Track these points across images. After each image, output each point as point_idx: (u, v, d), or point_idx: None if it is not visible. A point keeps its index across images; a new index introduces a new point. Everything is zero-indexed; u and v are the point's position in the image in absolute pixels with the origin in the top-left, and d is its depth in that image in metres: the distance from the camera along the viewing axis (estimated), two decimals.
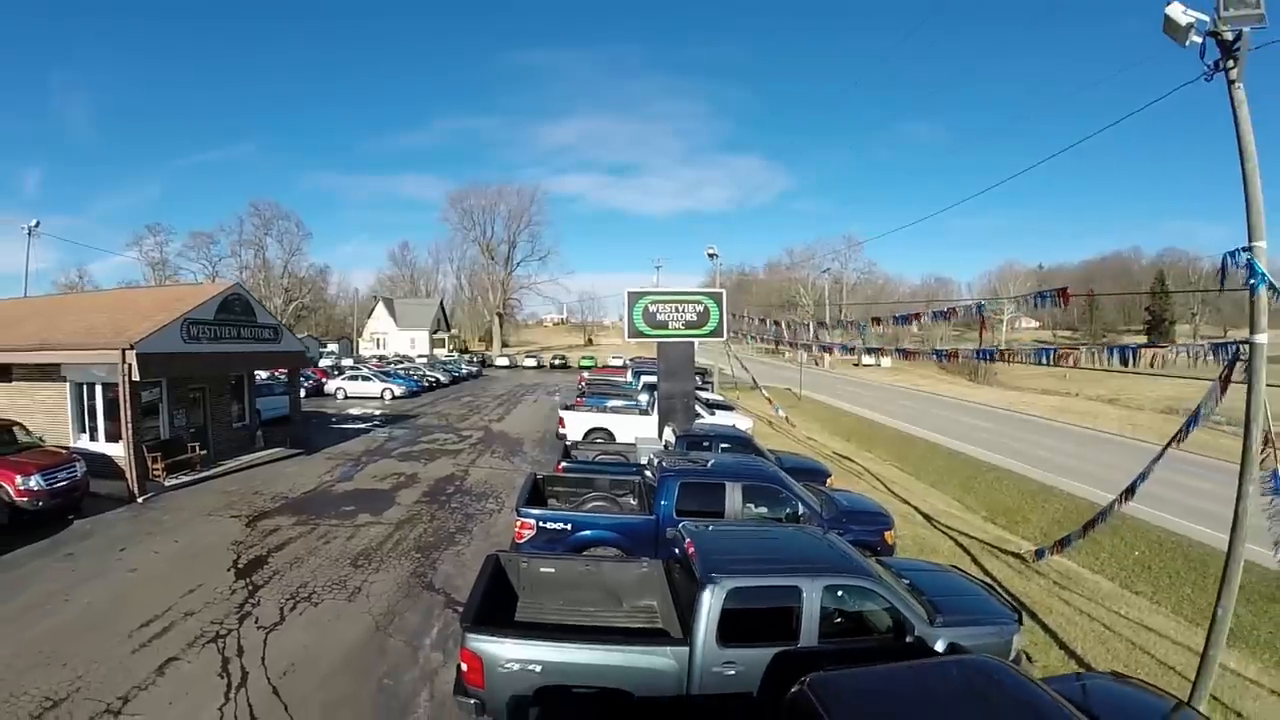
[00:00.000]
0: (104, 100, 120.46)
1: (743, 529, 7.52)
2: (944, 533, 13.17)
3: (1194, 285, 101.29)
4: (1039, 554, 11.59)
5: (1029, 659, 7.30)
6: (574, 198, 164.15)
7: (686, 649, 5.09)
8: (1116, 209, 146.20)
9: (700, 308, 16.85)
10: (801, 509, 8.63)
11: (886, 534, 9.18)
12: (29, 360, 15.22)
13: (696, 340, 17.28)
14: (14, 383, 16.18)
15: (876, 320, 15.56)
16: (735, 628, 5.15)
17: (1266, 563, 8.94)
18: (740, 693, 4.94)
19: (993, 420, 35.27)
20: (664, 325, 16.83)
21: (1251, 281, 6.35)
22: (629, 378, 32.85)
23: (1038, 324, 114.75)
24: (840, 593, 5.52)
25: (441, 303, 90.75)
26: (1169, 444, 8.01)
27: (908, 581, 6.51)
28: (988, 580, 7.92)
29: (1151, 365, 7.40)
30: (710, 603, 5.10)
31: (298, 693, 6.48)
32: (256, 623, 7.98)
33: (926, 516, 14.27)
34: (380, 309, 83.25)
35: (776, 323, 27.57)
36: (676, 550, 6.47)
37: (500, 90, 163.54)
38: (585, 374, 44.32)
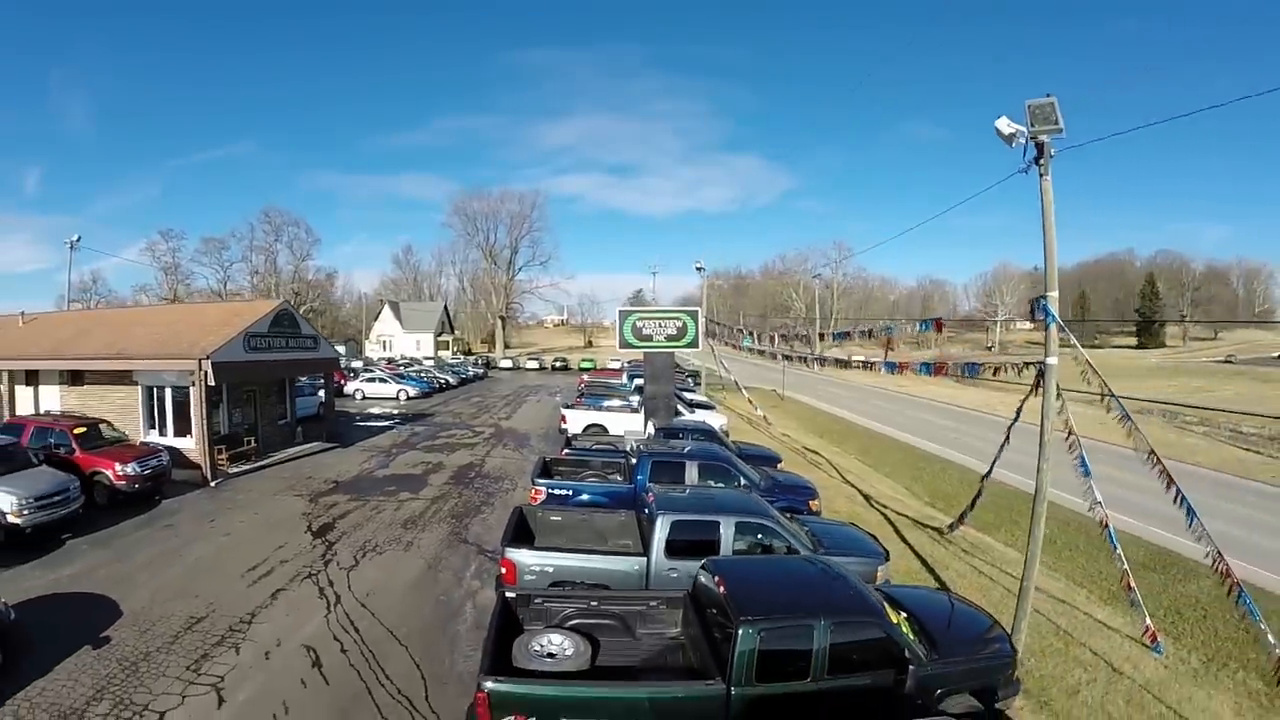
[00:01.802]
0: (104, 100, 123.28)
1: (691, 488, 10.38)
2: (879, 510, 15.90)
3: (1185, 287, 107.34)
4: (950, 527, 14.36)
5: None
6: (574, 198, 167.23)
7: (645, 559, 7.91)
8: (1114, 210, 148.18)
9: (679, 323, 19.72)
10: (743, 481, 11.44)
11: (811, 502, 12.03)
12: (106, 367, 17.64)
13: (677, 350, 20.14)
14: (85, 386, 18.70)
15: (821, 336, 18.31)
16: (677, 547, 7.95)
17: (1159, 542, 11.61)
18: (680, 589, 7.69)
19: (963, 421, 37.49)
20: (649, 338, 19.72)
21: (1046, 321, 9.09)
22: (624, 379, 35.65)
23: (1032, 325, 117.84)
24: (747, 527, 8.30)
25: (445, 306, 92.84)
26: (1007, 431, 10.83)
27: (808, 529, 9.30)
28: (873, 534, 10.63)
29: (994, 374, 10.14)
30: (660, 528, 7.91)
31: (380, 605, 9.22)
32: (338, 565, 10.72)
33: (867, 497, 17.01)
34: (386, 312, 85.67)
35: (752, 332, 30.36)
36: (645, 510, 9.23)
37: (500, 90, 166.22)
38: (585, 376, 47.06)
